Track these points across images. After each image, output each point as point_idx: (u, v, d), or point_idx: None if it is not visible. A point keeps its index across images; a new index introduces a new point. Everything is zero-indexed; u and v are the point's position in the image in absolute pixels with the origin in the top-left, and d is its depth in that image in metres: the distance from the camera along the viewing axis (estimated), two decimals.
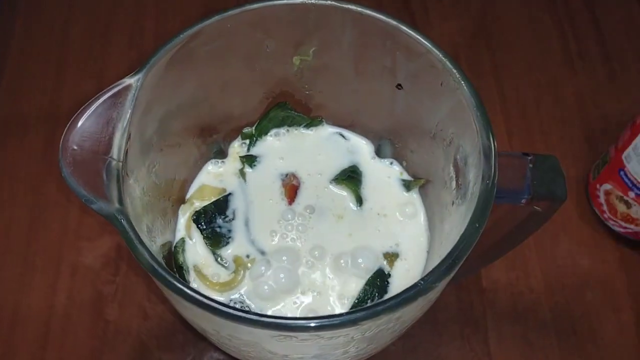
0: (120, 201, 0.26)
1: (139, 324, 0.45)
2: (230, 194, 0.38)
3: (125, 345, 0.44)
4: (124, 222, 0.25)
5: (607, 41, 0.59)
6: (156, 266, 0.25)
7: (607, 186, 0.46)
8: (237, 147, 0.39)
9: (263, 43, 0.34)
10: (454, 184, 0.32)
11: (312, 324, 0.23)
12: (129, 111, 0.28)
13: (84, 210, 0.49)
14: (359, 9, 0.32)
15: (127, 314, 0.45)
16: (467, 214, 0.28)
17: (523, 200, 0.31)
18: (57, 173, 0.50)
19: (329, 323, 0.24)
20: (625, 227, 0.47)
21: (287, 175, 0.38)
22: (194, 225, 0.36)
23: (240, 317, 0.23)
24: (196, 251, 0.36)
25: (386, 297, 0.34)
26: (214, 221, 0.36)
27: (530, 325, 0.46)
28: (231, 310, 0.23)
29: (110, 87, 0.28)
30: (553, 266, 0.48)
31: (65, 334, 0.45)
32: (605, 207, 0.47)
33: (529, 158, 0.31)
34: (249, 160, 0.39)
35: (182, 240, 0.36)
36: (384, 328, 0.26)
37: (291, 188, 0.37)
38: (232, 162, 0.39)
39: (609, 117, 0.54)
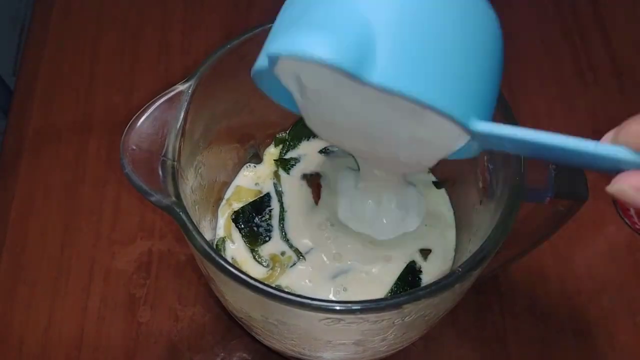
0: (177, 195, 0.28)
1: (170, 325, 0.47)
2: (266, 194, 0.40)
3: (157, 347, 0.46)
4: (181, 213, 0.27)
5: (617, 55, 0.60)
6: (213, 253, 0.26)
7: None
8: (272, 152, 0.42)
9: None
10: (481, 184, 0.34)
11: (359, 307, 0.25)
12: (182, 115, 0.30)
13: (117, 216, 0.51)
14: None
15: (158, 316, 0.47)
16: (497, 210, 0.30)
17: (547, 199, 0.33)
18: (89, 181, 0.53)
19: (376, 306, 0.25)
20: None
21: (311, 175, 0.40)
22: (232, 225, 0.38)
23: (293, 300, 0.25)
24: (235, 249, 0.38)
25: None
26: (251, 221, 0.38)
27: (548, 328, 0.47)
28: (284, 294, 0.25)
29: (165, 92, 0.30)
30: (569, 271, 0.49)
31: (99, 336, 0.46)
32: (636, 219, 0.50)
33: None
34: (283, 163, 0.41)
35: (223, 239, 0.38)
36: (421, 314, 0.28)
37: (318, 187, 0.39)
38: (267, 166, 0.41)
39: None
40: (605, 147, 0.23)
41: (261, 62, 0.26)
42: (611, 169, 0.24)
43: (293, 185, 0.40)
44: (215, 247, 0.38)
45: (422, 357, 0.46)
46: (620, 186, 0.22)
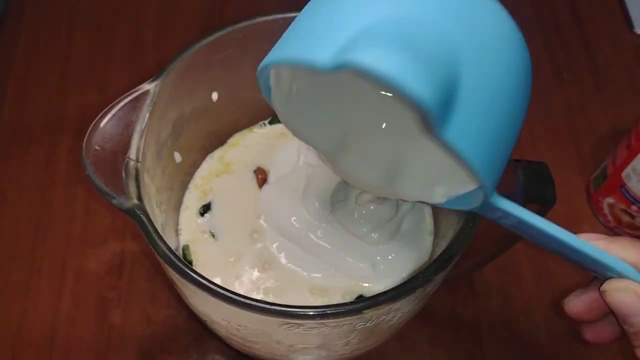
0: (139, 198, 0.28)
1: (142, 328, 0.46)
2: (212, 199, 0.40)
3: (130, 349, 0.45)
4: (142, 216, 0.27)
5: (594, 54, 0.61)
6: (173, 257, 0.26)
7: (610, 200, 0.49)
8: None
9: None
10: None
11: (317, 312, 0.25)
12: (147, 115, 0.30)
13: (88, 217, 0.51)
14: None
15: (131, 318, 0.46)
16: (462, 215, 0.30)
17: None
18: (61, 181, 0.52)
19: (335, 311, 0.25)
20: (632, 233, 0.50)
21: (254, 170, 0.40)
22: (194, 224, 0.38)
23: (252, 305, 0.25)
24: (202, 247, 0.38)
25: None
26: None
27: (523, 326, 0.47)
28: (243, 299, 0.25)
29: (130, 92, 0.30)
30: (544, 270, 0.49)
31: (71, 338, 0.45)
32: (610, 217, 0.50)
33: (521, 164, 0.33)
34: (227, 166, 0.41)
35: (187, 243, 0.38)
36: (384, 319, 0.28)
37: (262, 181, 0.39)
38: (217, 164, 0.41)
39: (597, 127, 0.56)
40: (612, 260, 0.24)
41: (279, 56, 0.23)
42: (598, 272, 0.26)
43: (240, 181, 0.40)
44: (184, 245, 0.37)
45: (396, 357, 0.46)
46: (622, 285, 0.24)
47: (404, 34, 0.20)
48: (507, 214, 0.25)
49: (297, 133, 0.29)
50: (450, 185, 0.28)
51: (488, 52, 0.21)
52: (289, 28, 0.24)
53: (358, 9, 0.21)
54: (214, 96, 0.37)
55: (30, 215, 0.50)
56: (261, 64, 0.24)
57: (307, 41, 0.22)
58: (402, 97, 0.19)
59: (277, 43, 0.24)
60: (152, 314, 0.47)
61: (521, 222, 0.25)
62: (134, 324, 0.46)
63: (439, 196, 0.29)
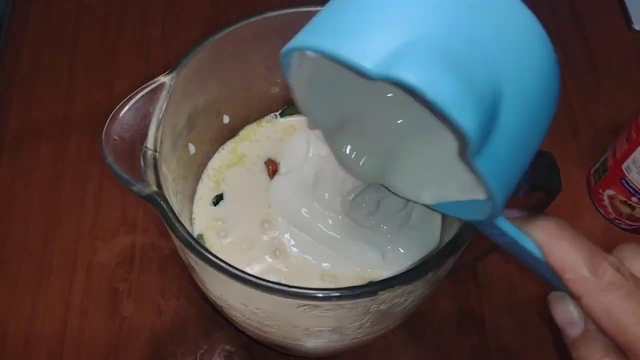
0: (158, 185, 0.28)
1: (153, 319, 0.47)
2: (225, 189, 0.40)
3: (141, 340, 0.46)
4: (162, 202, 0.28)
5: (593, 50, 0.62)
6: (192, 241, 0.27)
7: (610, 192, 0.50)
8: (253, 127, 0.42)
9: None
10: None
11: (336, 294, 0.26)
12: (164, 106, 0.31)
13: (98, 211, 0.51)
14: None
15: (141, 310, 0.47)
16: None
17: (521, 192, 0.34)
18: (70, 177, 0.53)
19: (351, 293, 0.26)
20: (632, 224, 0.51)
21: (265, 161, 0.41)
22: (207, 213, 0.39)
23: (271, 287, 0.26)
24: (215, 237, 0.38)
25: None
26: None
27: (525, 316, 0.48)
28: (262, 281, 0.26)
29: (147, 84, 0.31)
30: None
31: (82, 330, 0.46)
32: (610, 209, 0.51)
33: None
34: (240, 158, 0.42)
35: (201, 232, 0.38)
36: (396, 302, 0.29)
37: (273, 172, 0.40)
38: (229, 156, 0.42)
39: (596, 121, 0.58)
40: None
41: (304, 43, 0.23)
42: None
43: (251, 172, 0.41)
44: (198, 235, 0.38)
45: (402, 345, 0.47)
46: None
47: (456, 53, 0.19)
48: (503, 234, 0.25)
49: (306, 110, 0.29)
50: (441, 189, 0.29)
51: (527, 80, 0.21)
52: (325, 12, 0.23)
53: (408, 12, 0.20)
54: (226, 89, 0.38)
55: (41, 211, 0.51)
56: (293, 45, 0.23)
57: (352, 38, 0.20)
58: (447, 121, 0.18)
59: (313, 26, 0.23)
60: (163, 305, 0.47)
61: (515, 243, 0.25)
62: (144, 315, 0.47)
63: (427, 198, 0.30)
